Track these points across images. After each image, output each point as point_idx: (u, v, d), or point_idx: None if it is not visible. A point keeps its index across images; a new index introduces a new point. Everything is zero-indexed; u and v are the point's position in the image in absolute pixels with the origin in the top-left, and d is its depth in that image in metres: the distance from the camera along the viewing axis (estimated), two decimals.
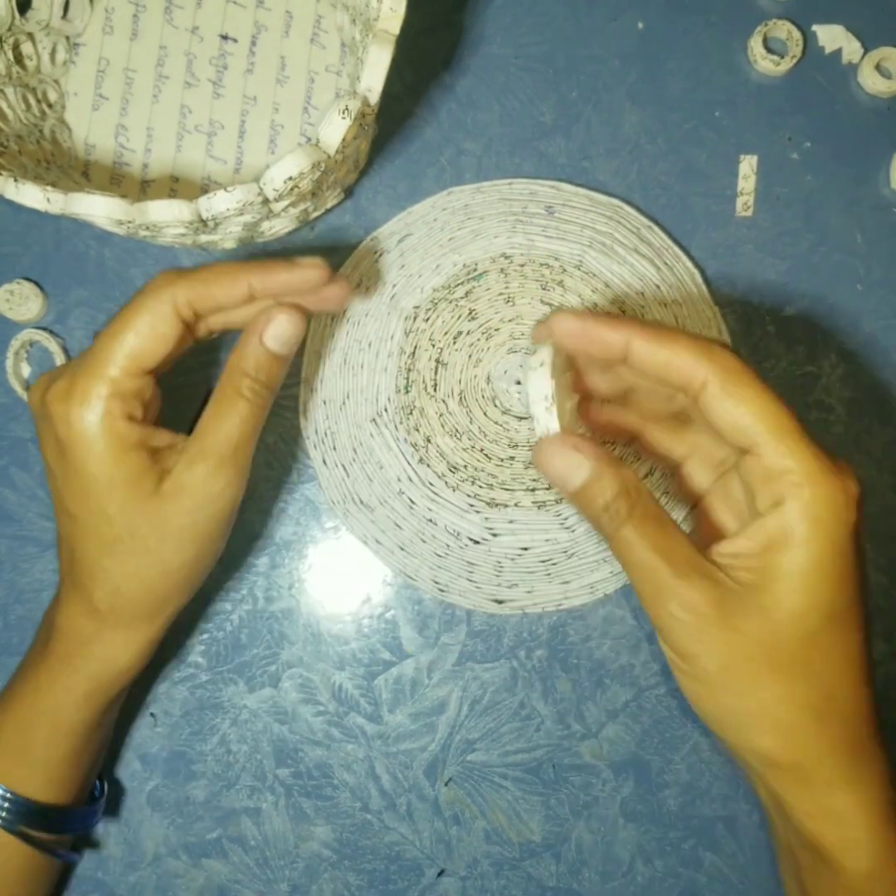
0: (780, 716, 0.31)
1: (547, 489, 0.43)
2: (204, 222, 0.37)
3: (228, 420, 0.36)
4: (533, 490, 0.43)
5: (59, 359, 0.45)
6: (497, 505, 0.43)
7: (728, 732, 0.33)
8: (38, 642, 0.40)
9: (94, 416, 0.35)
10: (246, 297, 0.37)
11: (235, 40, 0.47)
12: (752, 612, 0.31)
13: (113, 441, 0.35)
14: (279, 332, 0.37)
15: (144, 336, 0.35)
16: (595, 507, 0.33)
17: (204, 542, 0.38)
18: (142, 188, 0.46)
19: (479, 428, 0.43)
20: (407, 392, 0.43)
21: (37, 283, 0.46)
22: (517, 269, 0.44)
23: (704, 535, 0.36)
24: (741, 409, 0.32)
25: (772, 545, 0.31)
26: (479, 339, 0.44)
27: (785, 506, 0.31)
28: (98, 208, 0.36)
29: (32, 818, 0.38)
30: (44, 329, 0.46)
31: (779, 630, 0.31)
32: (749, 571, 0.32)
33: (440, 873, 0.44)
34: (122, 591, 0.37)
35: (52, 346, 0.45)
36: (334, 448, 0.44)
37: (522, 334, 0.44)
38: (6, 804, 0.37)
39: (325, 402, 0.45)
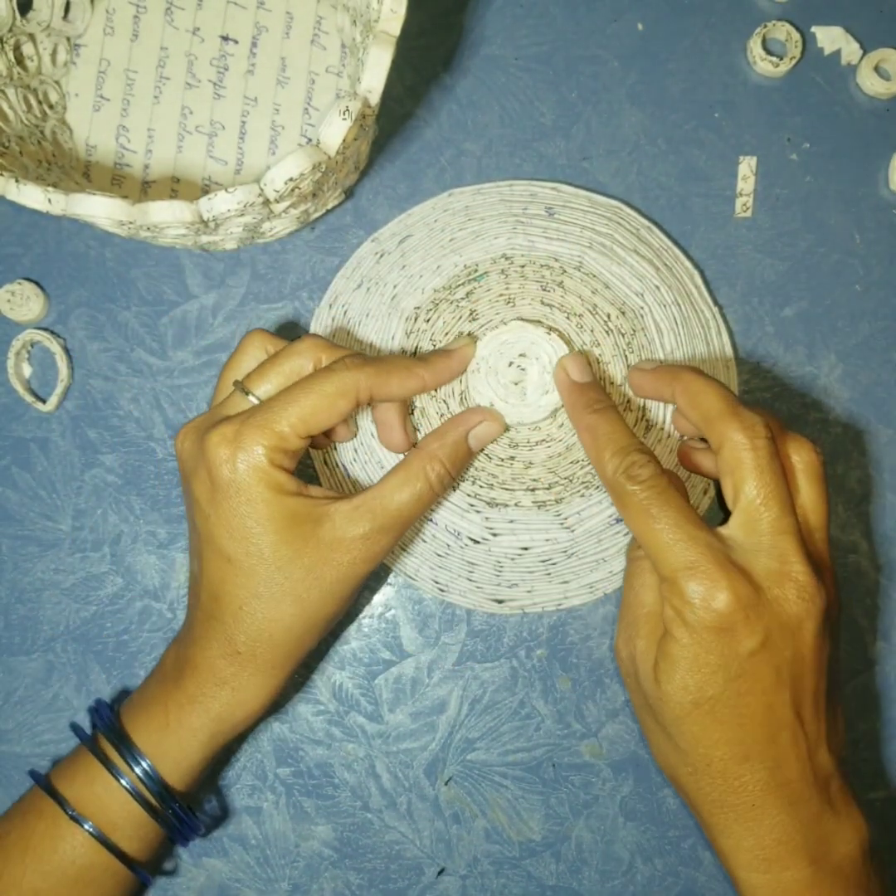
0: (669, 764, 0.38)
1: (547, 489, 0.43)
2: (205, 223, 0.37)
3: (407, 492, 0.38)
4: (533, 490, 0.43)
5: (61, 359, 0.46)
6: (497, 505, 0.43)
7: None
8: (167, 677, 0.39)
9: (260, 461, 0.36)
10: (417, 390, 0.40)
11: (236, 41, 0.47)
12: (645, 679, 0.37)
13: (275, 486, 0.37)
14: (485, 434, 0.41)
15: (324, 407, 0.37)
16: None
17: (346, 599, 0.39)
18: (143, 189, 0.46)
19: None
20: None
21: (38, 284, 0.46)
22: (517, 270, 0.44)
23: None
24: (631, 525, 0.37)
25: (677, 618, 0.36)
26: (479, 340, 0.44)
27: (664, 610, 0.36)
28: (99, 209, 0.36)
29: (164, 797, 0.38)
30: (45, 329, 0.46)
31: (661, 705, 0.36)
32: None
33: (440, 872, 0.44)
34: (266, 636, 0.37)
35: (54, 346, 0.46)
36: (335, 448, 0.44)
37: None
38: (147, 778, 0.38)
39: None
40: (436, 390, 0.43)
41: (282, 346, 0.39)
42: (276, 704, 0.43)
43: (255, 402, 0.38)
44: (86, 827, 0.37)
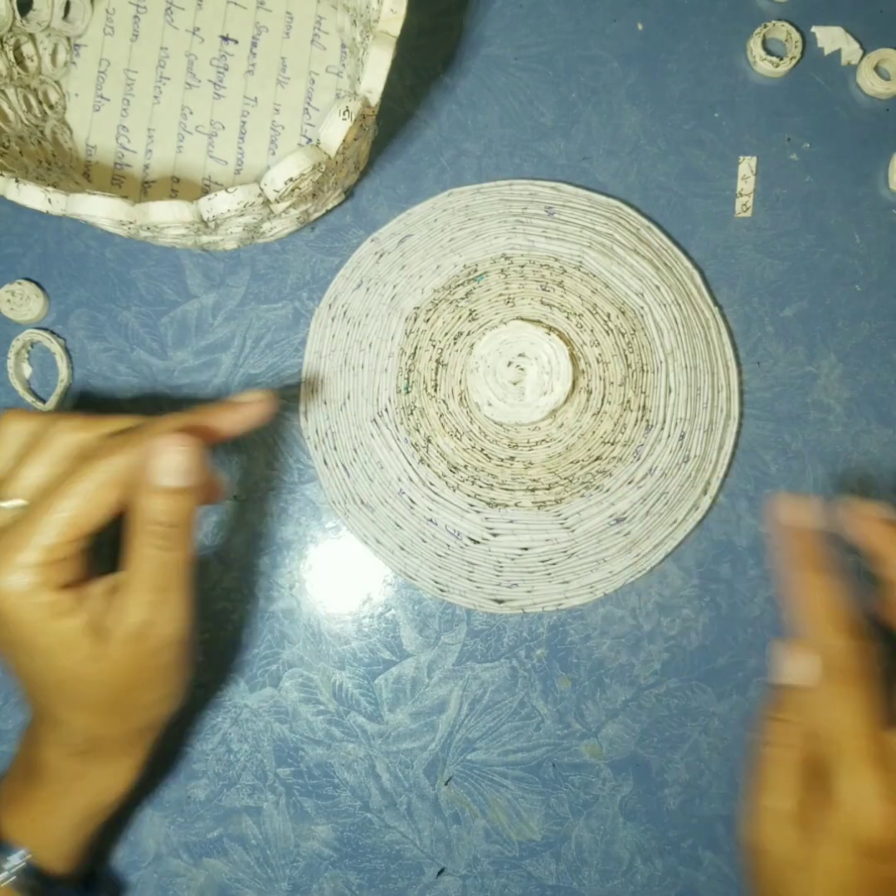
0: None
1: (547, 489, 0.43)
2: (205, 223, 0.37)
3: (150, 563, 0.35)
4: (533, 490, 0.43)
5: (61, 359, 0.46)
6: (497, 505, 0.43)
7: None
8: (29, 774, 0.38)
9: (24, 588, 0.33)
10: (193, 453, 0.35)
11: (236, 41, 0.47)
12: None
13: (45, 612, 0.34)
14: (169, 466, 0.34)
15: (88, 506, 0.34)
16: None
17: (171, 671, 0.37)
18: (143, 189, 0.46)
19: (480, 428, 0.43)
20: (407, 392, 0.44)
21: (38, 284, 0.46)
22: (517, 269, 0.44)
23: None
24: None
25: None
26: (479, 340, 0.44)
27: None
28: (99, 209, 0.36)
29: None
30: (45, 329, 0.46)
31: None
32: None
33: (440, 872, 0.44)
34: (100, 735, 0.37)
35: (54, 346, 0.46)
36: (335, 448, 0.44)
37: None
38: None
39: (325, 403, 0.45)
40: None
41: (40, 425, 0.36)
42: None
43: (15, 506, 0.35)
44: None
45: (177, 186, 0.46)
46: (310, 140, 0.42)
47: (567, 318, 0.43)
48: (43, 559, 0.34)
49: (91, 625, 0.34)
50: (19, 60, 0.45)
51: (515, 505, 0.43)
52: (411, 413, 0.43)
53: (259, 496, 0.45)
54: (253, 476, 0.46)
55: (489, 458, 0.43)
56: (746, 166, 0.46)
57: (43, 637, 0.34)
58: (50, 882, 0.38)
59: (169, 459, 0.34)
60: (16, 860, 0.37)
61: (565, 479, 0.43)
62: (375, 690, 0.45)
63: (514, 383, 0.42)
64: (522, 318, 0.43)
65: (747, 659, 0.45)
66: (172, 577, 0.35)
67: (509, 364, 0.42)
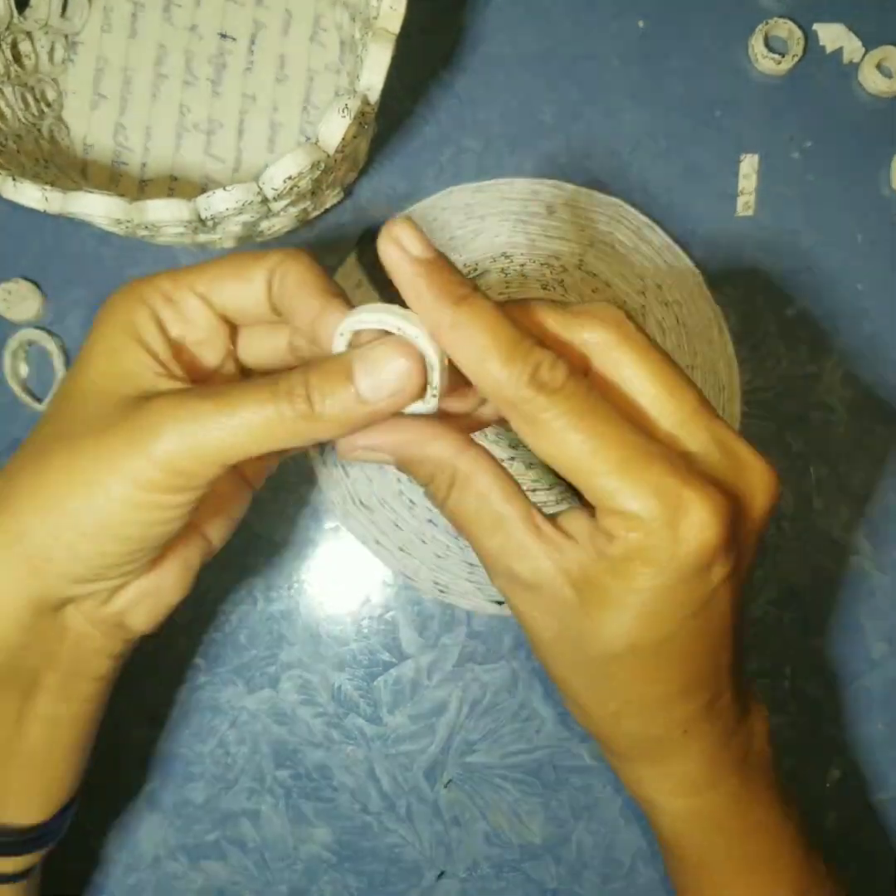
0: (583, 703, 0.31)
1: (547, 490, 0.43)
2: (203, 221, 0.37)
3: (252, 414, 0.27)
4: (533, 491, 0.43)
5: (58, 359, 0.45)
6: None
7: (560, 690, 0.33)
8: None
9: (126, 294, 0.30)
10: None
11: (234, 39, 0.47)
12: (568, 612, 0.29)
13: (124, 324, 0.30)
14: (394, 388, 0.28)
15: (228, 267, 0.30)
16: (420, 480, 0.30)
17: (145, 535, 0.30)
18: (140, 187, 0.46)
19: None
20: None
21: (35, 283, 0.46)
22: (518, 268, 0.44)
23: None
24: (552, 451, 0.28)
25: (598, 562, 0.29)
26: None
27: (613, 543, 0.28)
28: (96, 207, 0.36)
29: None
30: (42, 328, 0.46)
31: (588, 644, 0.29)
32: (576, 567, 0.29)
33: (440, 875, 0.44)
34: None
35: (51, 345, 0.45)
36: (334, 448, 0.44)
37: None
38: None
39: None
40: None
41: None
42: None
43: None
44: None
45: (175, 185, 0.46)
46: (309, 138, 0.42)
47: None
48: (157, 284, 0.31)
49: (139, 385, 0.30)
50: (17, 58, 0.44)
51: None
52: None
53: (257, 496, 0.45)
54: None
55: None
56: (748, 164, 0.46)
57: (100, 343, 0.31)
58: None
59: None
60: None
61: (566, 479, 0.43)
62: (375, 692, 0.45)
63: None
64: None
65: (749, 660, 0.44)
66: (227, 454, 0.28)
67: None
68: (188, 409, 0.27)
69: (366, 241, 0.38)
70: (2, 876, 0.34)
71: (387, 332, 0.28)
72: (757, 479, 0.29)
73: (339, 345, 0.28)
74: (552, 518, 0.30)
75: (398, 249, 0.27)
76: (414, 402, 0.28)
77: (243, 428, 0.27)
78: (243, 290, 0.30)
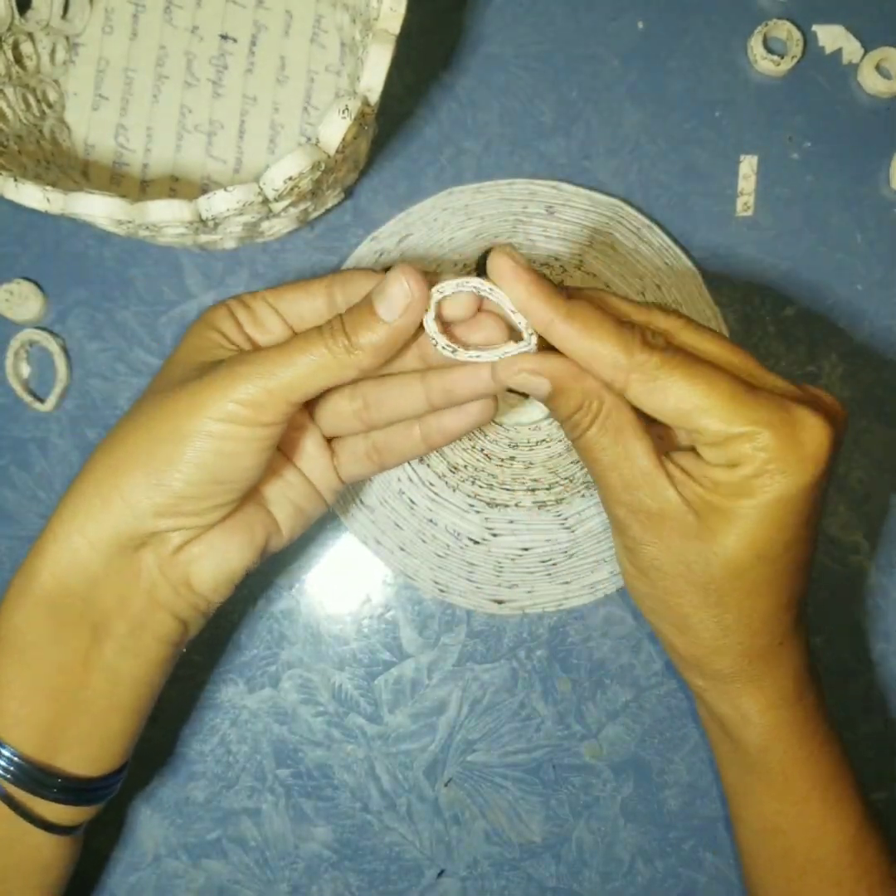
0: (693, 623, 0.35)
1: (547, 490, 0.43)
2: (204, 222, 0.37)
3: (303, 360, 0.33)
4: (533, 490, 0.43)
5: (59, 359, 0.45)
6: (497, 505, 0.43)
7: (655, 622, 0.37)
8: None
9: (216, 306, 0.37)
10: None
11: (235, 40, 0.47)
12: (690, 535, 0.33)
13: (209, 322, 0.36)
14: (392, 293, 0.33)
15: (298, 288, 0.37)
16: (560, 418, 0.35)
17: (222, 466, 0.34)
18: (141, 188, 0.46)
19: (480, 427, 0.43)
20: None
21: (36, 283, 0.46)
22: None
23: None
24: (672, 402, 0.32)
25: (719, 489, 0.33)
26: None
27: (736, 469, 0.33)
28: (97, 208, 0.36)
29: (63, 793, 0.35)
30: (43, 329, 0.46)
31: (712, 561, 0.33)
32: (695, 497, 0.33)
33: (440, 874, 0.44)
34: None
35: (52, 346, 0.45)
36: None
37: None
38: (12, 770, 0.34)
39: None
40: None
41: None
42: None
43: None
44: None
45: (176, 185, 0.46)
46: (309, 139, 0.42)
47: None
48: (240, 298, 0.38)
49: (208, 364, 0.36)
50: (18, 59, 0.44)
51: (516, 505, 0.43)
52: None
53: None
54: None
55: (489, 457, 0.43)
56: (747, 165, 0.46)
57: (192, 338, 0.37)
58: (41, 776, 0.35)
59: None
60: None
61: (566, 478, 0.43)
62: (375, 691, 0.45)
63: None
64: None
65: None
66: (298, 395, 0.34)
67: None
68: (255, 356, 0.33)
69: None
70: (49, 824, 0.35)
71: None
72: (827, 407, 0.34)
73: (427, 320, 0.33)
74: (668, 456, 0.34)
75: (511, 261, 0.33)
76: (429, 316, 0.33)
77: (299, 364, 0.33)
78: (306, 301, 0.37)
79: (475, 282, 0.33)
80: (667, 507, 0.33)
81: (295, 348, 0.33)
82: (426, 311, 0.33)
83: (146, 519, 0.34)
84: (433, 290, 0.33)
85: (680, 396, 0.32)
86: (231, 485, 0.34)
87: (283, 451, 0.38)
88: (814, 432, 0.32)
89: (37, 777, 0.34)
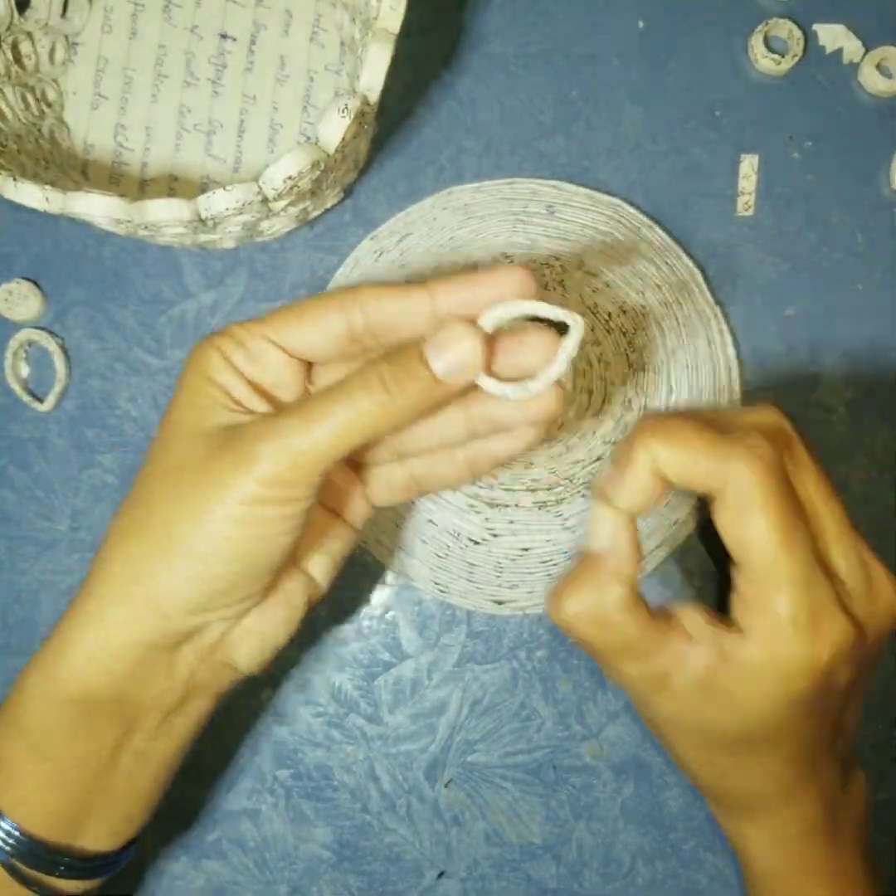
0: (690, 764, 0.36)
1: (548, 490, 0.43)
2: (203, 221, 0.37)
3: (346, 404, 0.29)
4: (534, 491, 0.43)
5: (58, 359, 0.45)
6: (497, 505, 0.43)
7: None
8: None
9: (205, 347, 0.32)
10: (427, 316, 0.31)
11: (235, 39, 0.47)
12: (688, 704, 0.33)
13: (202, 369, 0.32)
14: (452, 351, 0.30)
15: (304, 311, 0.31)
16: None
17: (253, 552, 0.31)
18: (140, 187, 0.46)
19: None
20: None
21: (35, 283, 0.46)
22: None
23: None
24: (740, 532, 0.32)
25: (722, 668, 0.33)
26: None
27: (747, 643, 0.32)
28: (97, 207, 0.36)
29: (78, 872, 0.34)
30: (42, 329, 0.46)
31: (702, 726, 0.34)
32: (703, 668, 0.33)
33: (440, 875, 0.44)
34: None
35: (51, 345, 0.45)
36: None
37: None
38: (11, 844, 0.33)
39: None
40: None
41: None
42: None
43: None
44: None
45: (175, 185, 0.46)
46: (309, 138, 0.42)
47: None
48: (233, 334, 0.32)
49: (227, 427, 0.32)
50: (17, 59, 0.44)
51: (516, 505, 0.43)
52: None
53: None
54: None
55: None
56: (748, 165, 0.46)
57: (184, 395, 0.32)
58: (48, 856, 0.33)
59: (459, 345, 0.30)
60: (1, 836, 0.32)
61: (566, 479, 0.43)
62: (375, 692, 0.45)
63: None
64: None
65: None
66: (345, 445, 0.30)
67: None
68: (277, 425, 0.29)
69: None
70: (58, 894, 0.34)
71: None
72: (884, 604, 0.34)
73: (486, 324, 0.30)
74: (668, 613, 0.34)
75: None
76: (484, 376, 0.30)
77: (329, 431, 0.29)
78: (313, 331, 0.32)
79: (529, 306, 0.30)
80: (667, 681, 0.34)
81: (322, 413, 0.29)
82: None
83: (178, 619, 0.31)
84: (484, 321, 0.30)
85: (747, 538, 0.32)
86: (266, 567, 0.31)
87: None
88: (829, 643, 0.32)
89: (47, 857, 0.33)
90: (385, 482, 0.35)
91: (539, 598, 0.44)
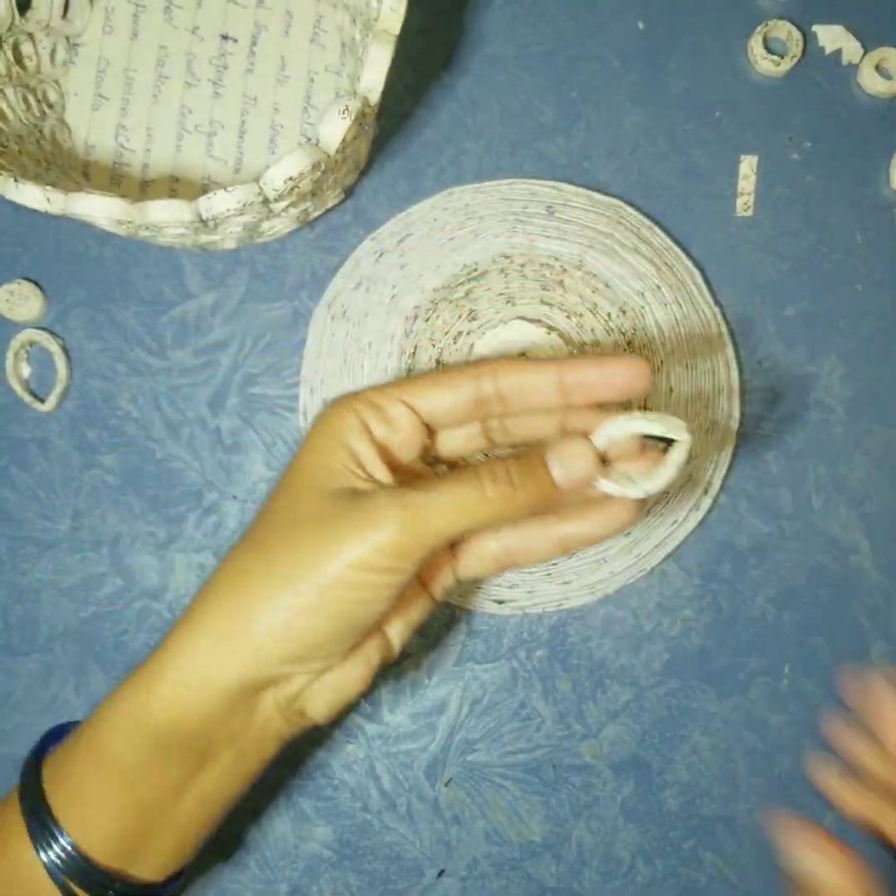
0: None
1: None
2: (204, 222, 0.37)
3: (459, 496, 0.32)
4: None
5: (59, 359, 0.45)
6: None
7: None
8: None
9: (340, 408, 0.34)
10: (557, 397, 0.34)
11: (235, 40, 0.47)
12: None
13: (335, 433, 0.33)
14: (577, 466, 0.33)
15: (439, 380, 0.34)
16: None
17: (355, 614, 0.32)
18: (142, 188, 0.46)
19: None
20: None
21: (37, 284, 0.46)
22: (517, 269, 0.44)
23: None
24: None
25: None
26: (479, 339, 0.43)
27: None
28: (98, 208, 0.36)
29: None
30: (43, 329, 0.46)
31: None
32: None
33: (440, 874, 0.44)
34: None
35: (52, 346, 0.45)
36: None
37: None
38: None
39: (325, 402, 0.45)
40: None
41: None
42: None
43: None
44: None
45: (176, 186, 0.46)
46: (309, 139, 0.42)
47: (567, 317, 0.43)
48: (368, 398, 0.34)
49: (346, 490, 0.34)
50: (18, 60, 0.45)
51: None
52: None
53: (257, 497, 0.45)
54: (251, 477, 0.45)
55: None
56: (747, 165, 0.46)
57: (310, 455, 0.34)
58: (99, 879, 0.33)
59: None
60: (58, 847, 0.33)
61: None
62: (375, 691, 0.45)
63: None
64: (522, 318, 0.42)
65: (748, 659, 0.44)
66: (454, 532, 0.33)
67: None
68: (404, 498, 0.31)
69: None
70: None
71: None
72: None
73: (600, 440, 0.34)
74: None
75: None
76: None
77: (449, 512, 0.31)
78: (448, 397, 0.34)
79: (639, 426, 0.33)
80: None
81: (451, 493, 0.32)
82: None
83: (272, 665, 0.32)
84: (598, 439, 0.33)
85: None
86: (360, 629, 0.33)
87: None
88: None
89: (99, 879, 0.33)
90: (476, 554, 0.36)
91: (539, 597, 0.44)
